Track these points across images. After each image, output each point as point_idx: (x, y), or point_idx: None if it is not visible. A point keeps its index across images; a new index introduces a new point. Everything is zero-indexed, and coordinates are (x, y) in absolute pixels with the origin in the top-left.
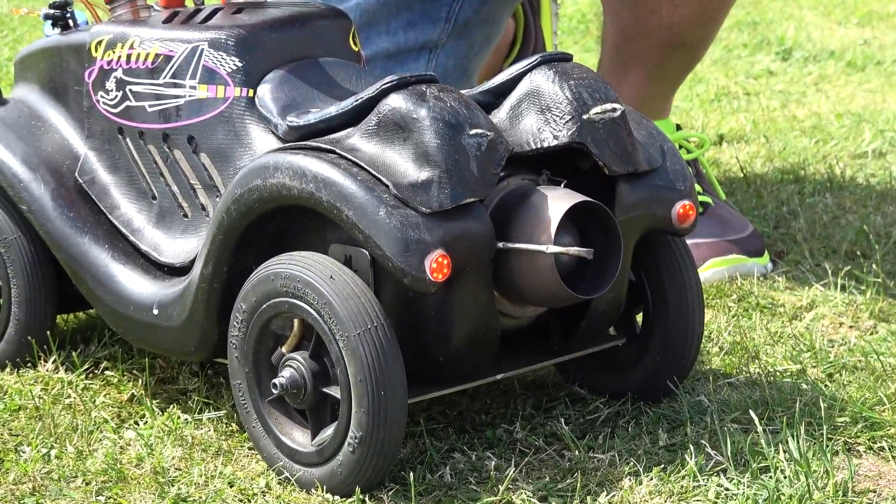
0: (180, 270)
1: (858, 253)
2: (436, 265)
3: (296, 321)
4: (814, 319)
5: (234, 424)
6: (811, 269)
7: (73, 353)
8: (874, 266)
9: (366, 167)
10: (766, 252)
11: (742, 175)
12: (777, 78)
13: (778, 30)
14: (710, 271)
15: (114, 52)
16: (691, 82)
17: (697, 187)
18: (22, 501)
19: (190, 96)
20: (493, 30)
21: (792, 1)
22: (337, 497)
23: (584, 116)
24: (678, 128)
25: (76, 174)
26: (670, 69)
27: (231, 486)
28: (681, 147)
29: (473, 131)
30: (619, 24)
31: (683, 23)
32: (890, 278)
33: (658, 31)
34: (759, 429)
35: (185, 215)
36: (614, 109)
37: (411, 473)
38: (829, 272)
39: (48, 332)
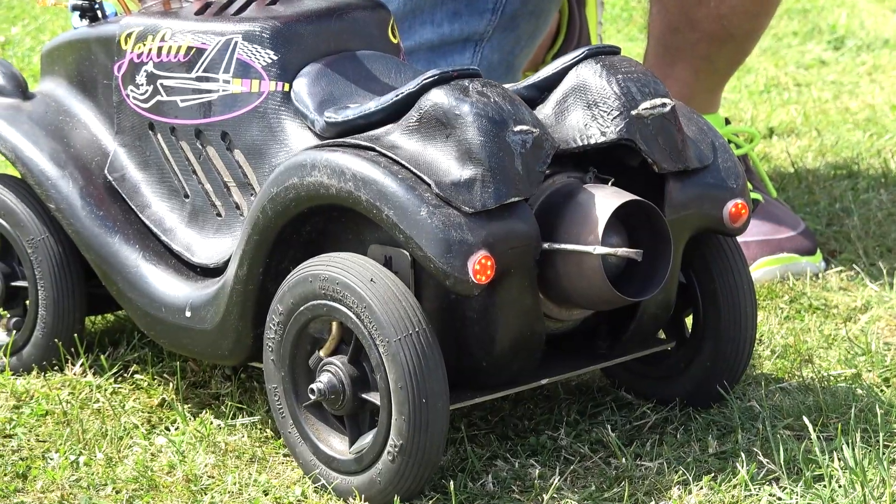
0: (214, 271)
1: None
2: (479, 266)
3: (334, 324)
4: (869, 321)
5: (268, 430)
6: (865, 269)
7: (102, 357)
8: None
9: (407, 165)
10: (819, 250)
11: (793, 170)
12: (829, 68)
13: (829, 17)
14: (760, 271)
15: (144, 45)
16: (740, 73)
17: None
18: None
19: (223, 91)
20: (541, 23)
21: None
22: None
23: (633, 112)
24: (727, 122)
25: (105, 171)
26: (718, 63)
27: (266, 495)
28: (730, 142)
29: (518, 128)
30: (667, 15)
31: (733, 14)
32: None
33: (706, 23)
34: (813, 436)
35: (219, 214)
36: (664, 104)
37: (452, 482)
38: (885, 272)
39: (76, 335)
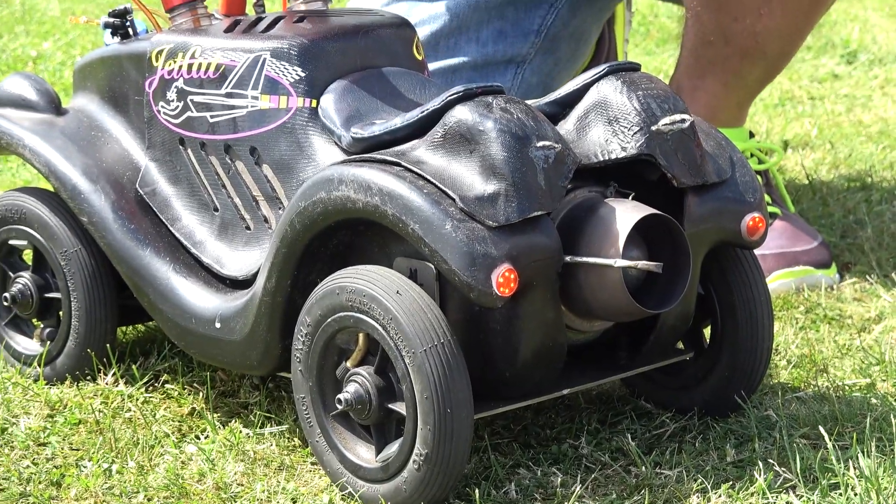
0: (243, 283)
1: None
2: (502, 279)
3: (361, 336)
4: (883, 331)
5: (296, 439)
6: (879, 280)
7: (133, 366)
8: None
9: (432, 180)
10: (834, 263)
11: (808, 182)
12: (842, 81)
13: (842, 32)
14: (777, 283)
15: (174, 62)
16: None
17: (766, 198)
18: None
19: (252, 107)
20: (581, 47)
21: (857, 2)
22: None
23: (653, 128)
24: (751, 135)
25: (137, 185)
26: (748, 79)
27: (294, 503)
28: (752, 156)
29: (540, 143)
30: (701, 28)
31: (767, 33)
32: None
33: (740, 38)
34: (829, 444)
35: (248, 227)
36: (683, 120)
37: (476, 490)
38: None
39: (108, 346)
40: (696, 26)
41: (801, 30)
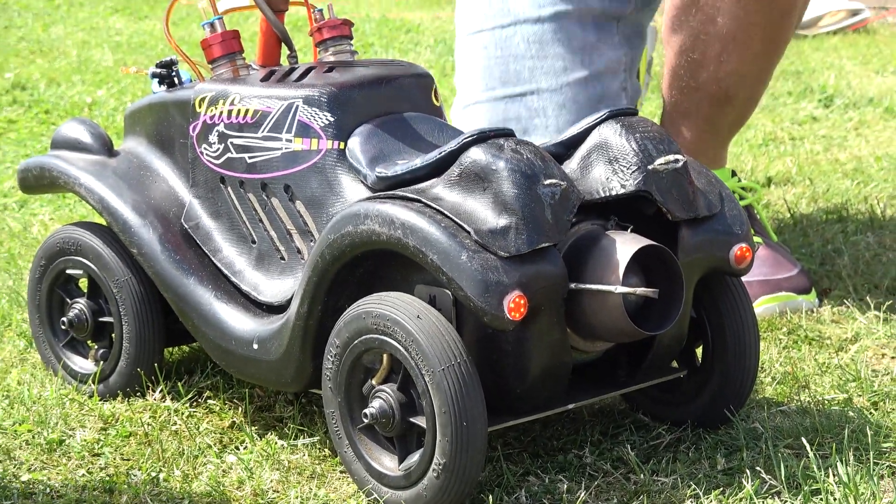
0: (278, 309)
1: None
2: (513, 305)
3: (385, 356)
4: (858, 351)
5: (326, 450)
6: (855, 304)
7: (179, 384)
8: None
9: (449, 215)
10: (814, 289)
11: (789, 215)
12: (820, 123)
13: (820, 78)
14: (762, 307)
15: (216, 108)
16: (741, 129)
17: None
18: None
19: (286, 149)
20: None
21: (832, 51)
22: None
23: (649, 167)
24: (733, 174)
25: (182, 220)
26: (720, 124)
27: None
28: (735, 193)
29: (548, 181)
30: (676, 79)
31: (730, 77)
32: None
33: (708, 85)
34: (811, 454)
35: (282, 258)
36: (677, 160)
37: (490, 496)
38: (872, 306)
39: (156, 365)
40: (671, 78)
41: (760, 74)
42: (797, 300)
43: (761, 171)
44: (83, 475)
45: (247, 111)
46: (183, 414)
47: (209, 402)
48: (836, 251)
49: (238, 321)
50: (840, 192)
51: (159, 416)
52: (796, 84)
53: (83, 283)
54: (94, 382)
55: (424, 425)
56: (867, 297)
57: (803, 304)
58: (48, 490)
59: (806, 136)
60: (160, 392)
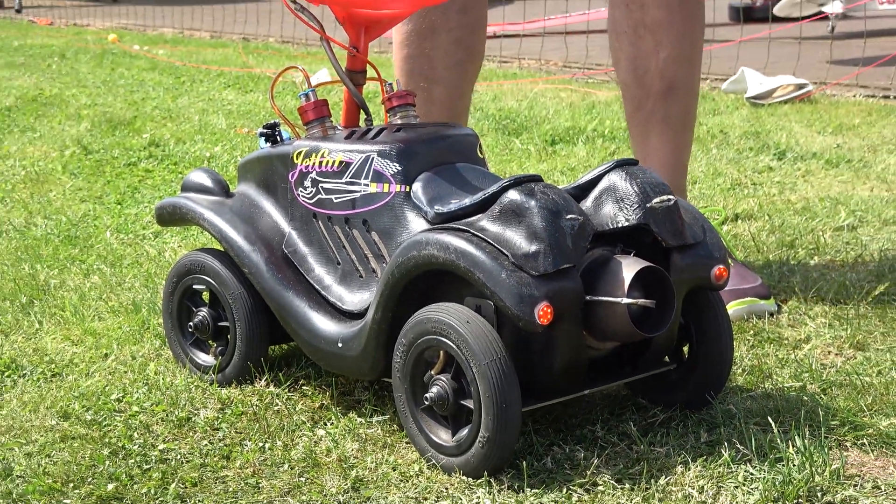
0: (357, 316)
1: (840, 301)
2: (542, 313)
3: (441, 352)
4: (811, 349)
5: (395, 425)
6: (806, 312)
7: (280, 374)
8: (852, 310)
9: (491, 242)
10: (773, 298)
11: (753, 243)
12: (775, 172)
13: (774, 137)
14: (732, 310)
15: (310, 160)
16: (713, 175)
17: None
18: (246, 481)
19: (364, 191)
20: None
21: (784, 116)
22: (471, 479)
23: (648, 205)
24: None
25: (282, 247)
26: (672, 118)
27: (394, 470)
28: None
29: (569, 216)
30: (631, 98)
31: (668, 63)
32: (864, 319)
33: (654, 83)
34: (774, 430)
35: (361, 276)
36: (669, 200)
37: (524, 462)
38: (819, 314)
39: (262, 359)
40: (628, 99)
41: (691, 55)
42: (760, 304)
43: (731, 209)
44: (206, 445)
45: (334, 162)
46: (283, 397)
47: (303, 388)
48: (789, 271)
49: (326, 325)
50: (792, 225)
51: (265, 399)
52: (756, 142)
53: (205, 296)
54: (213, 373)
55: (472, 406)
56: (815, 307)
57: (765, 307)
58: (178, 457)
59: (764, 182)
60: (265, 380)
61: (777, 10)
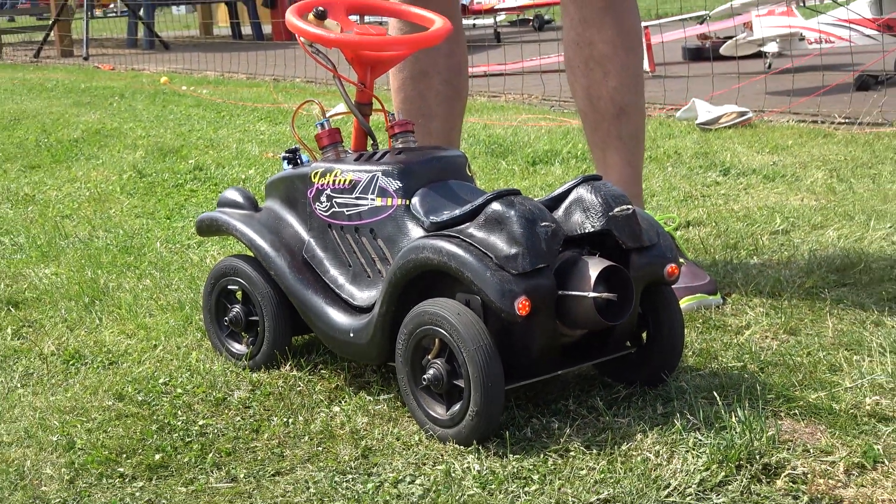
0: (366, 310)
1: (776, 293)
2: (521, 306)
3: (437, 340)
4: (750, 334)
5: (398, 403)
6: (747, 303)
7: (301, 360)
8: (785, 301)
9: (478, 246)
10: (719, 292)
11: (702, 246)
12: (721, 186)
13: (721, 156)
14: (684, 304)
15: (325, 179)
16: (669, 189)
17: None
18: (273, 451)
19: (371, 205)
20: None
21: (728, 139)
22: (462, 447)
23: (610, 213)
24: None
25: (303, 252)
26: (625, 137)
27: (398, 440)
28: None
29: (543, 223)
30: (589, 121)
31: (617, 91)
32: (795, 309)
33: (606, 107)
34: (720, 403)
35: (369, 276)
36: (628, 209)
37: (507, 432)
38: (758, 306)
39: (287, 347)
40: (587, 124)
41: (635, 84)
42: (708, 299)
43: (683, 217)
44: (239, 420)
45: (345, 180)
46: (304, 379)
47: (321, 371)
48: (733, 269)
49: (340, 318)
50: (735, 230)
51: (289, 381)
52: (705, 161)
53: (239, 295)
54: (245, 360)
55: (463, 385)
56: (754, 299)
57: (712, 301)
58: (215, 431)
59: (712, 195)
60: (289, 365)
61: (722, 51)
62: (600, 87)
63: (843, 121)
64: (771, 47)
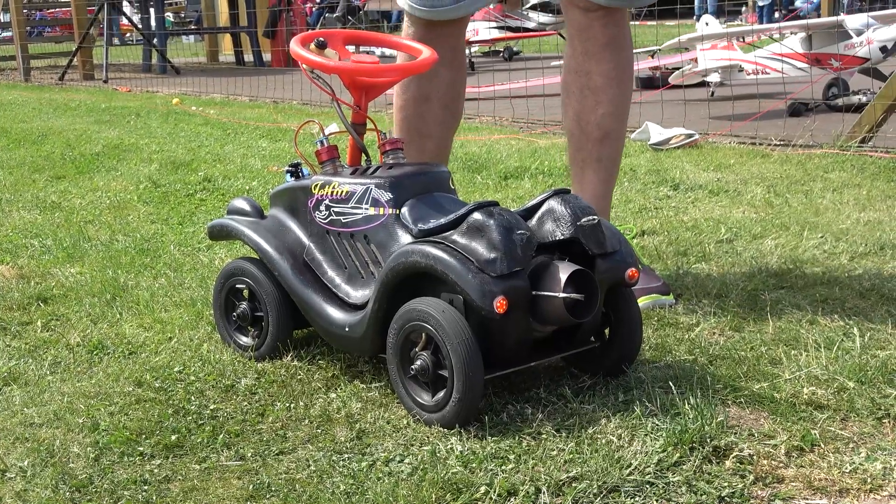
0: (360, 307)
1: (722, 295)
2: (499, 304)
3: (423, 334)
4: (700, 331)
5: (388, 390)
6: (696, 304)
7: (302, 351)
8: (731, 302)
9: (460, 251)
10: (671, 293)
11: (656, 252)
12: (672, 199)
13: (671, 173)
14: (641, 304)
15: (324, 190)
16: (625, 202)
17: None
18: (276, 433)
19: (365, 214)
20: None
21: (677, 158)
22: (446, 430)
23: (578, 223)
24: None
25: (303, 255)
26: (604, 159)
27: (388, 424)
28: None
29: (519, 231)
30: (573, 141)
31: (604, 118)
32: (739, 308)
33: (593, 130)
34: (674, 392)
35: (363, 277)
36: (594, 219)
37: (486, 417)
38: (706, 305)
39: (288, 340)
40: (572, 143)
41: (622, 112)
42: (662, 299)
43: (639, 227)
44: (245, 405)
45: (342, 191)
46: (304, 369)
47: (319, 361)
48: (683, 273)
49: (336, 315)
50: (685, 239)
51: (290, 371)
52: (657, 177)
53: (245, 293)
54: (252, 351)
55: (447, 375)
56: (703, 300)
57: (666, 301)
58: (225, 414)
59: (664, 207)
60: (291, 356)
61: (671, 80)
62: (590, 114)
63: (778, 143)
64: (714, 77)
